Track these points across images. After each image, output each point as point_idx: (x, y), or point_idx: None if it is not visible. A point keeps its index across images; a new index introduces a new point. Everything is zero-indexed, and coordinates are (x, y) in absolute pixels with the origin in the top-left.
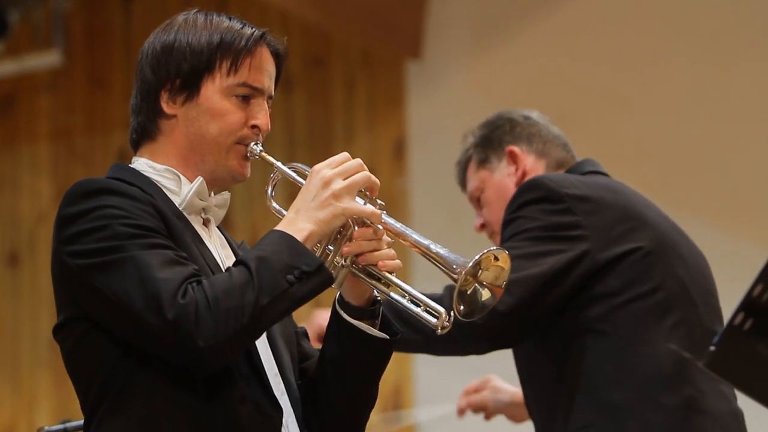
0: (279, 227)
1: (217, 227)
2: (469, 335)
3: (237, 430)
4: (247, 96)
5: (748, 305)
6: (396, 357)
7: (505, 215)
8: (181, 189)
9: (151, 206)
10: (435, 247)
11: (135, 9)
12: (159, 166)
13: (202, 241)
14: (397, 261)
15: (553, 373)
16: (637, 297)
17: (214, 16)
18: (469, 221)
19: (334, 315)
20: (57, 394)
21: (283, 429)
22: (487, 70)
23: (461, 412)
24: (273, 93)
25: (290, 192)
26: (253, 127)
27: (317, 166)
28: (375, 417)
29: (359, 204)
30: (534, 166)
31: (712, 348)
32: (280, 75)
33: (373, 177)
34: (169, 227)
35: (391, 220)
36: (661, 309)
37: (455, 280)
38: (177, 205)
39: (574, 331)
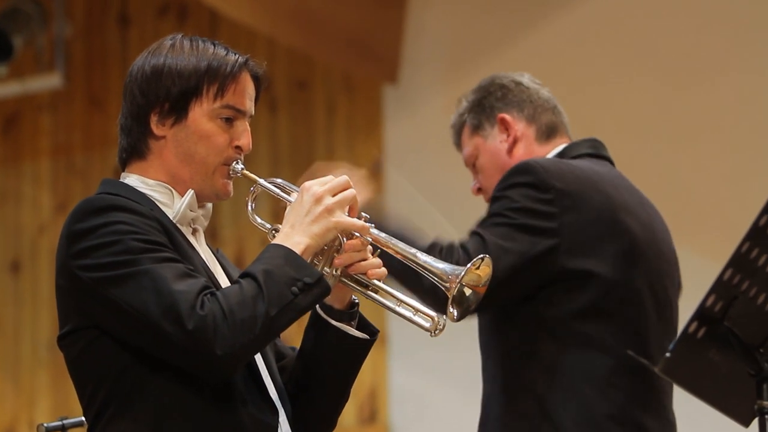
0: (277, 241)
1: None
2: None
3: None
4: (230, 118)
5: (702, 315)
6: (372, 361)
7: (495, 190)
8: (173, 202)
9: (156, 221)
10: (422, 256)
11: (131, 35)
12: (151, 182)
13: (196, 251)
14: (383, 269)
15: (503, 353)
16: (584, 315)
17: (200, 42)
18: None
19: (315, 317)
20: (56, 392)
21: (278, 429)
22: (460, 94)
23: None
24: (253, 113)
25: (273, 207)
26: (237, 147)
27: (307, 184)
28: None
29: (350, 218)
30: (525, 131)
31: (668, 354)
32: (259, 96)
33: (356, 196)
34: (171, 239)
35: (377, 232)
36: (603, 327)
37: (447, 289)
38: (171, 217)
39: (527, 323)
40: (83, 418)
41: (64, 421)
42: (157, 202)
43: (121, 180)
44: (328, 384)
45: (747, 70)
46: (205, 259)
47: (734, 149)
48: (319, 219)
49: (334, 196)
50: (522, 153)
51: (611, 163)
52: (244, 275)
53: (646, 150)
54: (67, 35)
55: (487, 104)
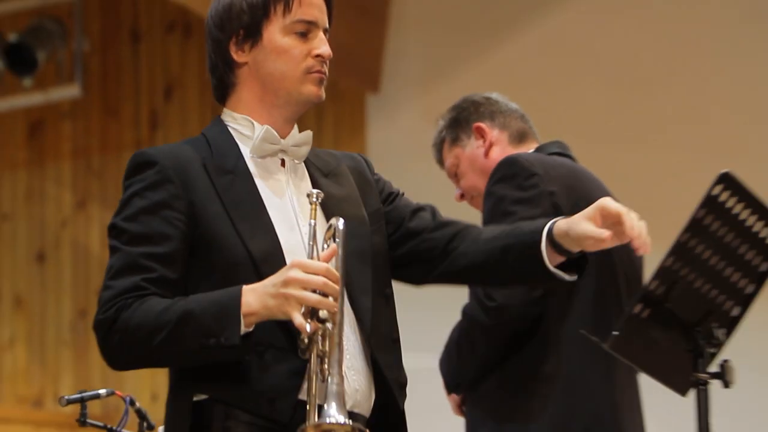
0: (246, 288)
1: (311, 161)
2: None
3: (255, 374)
4: (304, 32)
5: (646, 297)
6: None
7: (486, 186)
8: (254, 134)
9: (179, 179)
10: (331, 385)
11: (142, 49)
12: (237, 116)
13: (257, 195)
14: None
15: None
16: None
17: None
18: None
19: (537, 258)
20: (77, 369)
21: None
22: (436, 103)
23: None
24: (327, 26)
25: None
26: (317, 56)
27: (296, 261)
28: None
29: (297, 315)
30: (498, 137)
31: (615, 333)
32: (331, 11)
33: (324, 302)
34: (220, 182)
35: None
36: (587, 301)
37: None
38: (250, 150)
39: None
40: (99, 391)
41: (83, 394)
42: (241, 136)
43: (220, 116)
44: (479, 272)
45: (686, 79)
46: (281, 200)
47: (677, 149)
48: (277, 298)
49: (301, 288)
50: (498, 155)
51: (575, 161)
52: (179, 303)
53: (599, 151)
54: (85, 50)
55: (462, 118)
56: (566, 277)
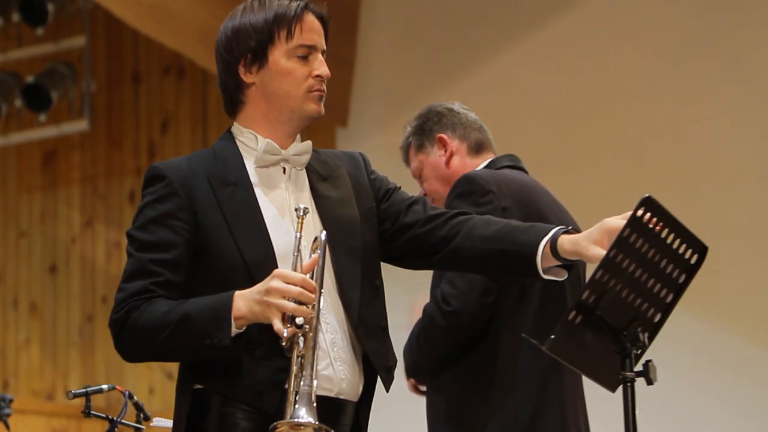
0: (237, 294)
1: (315, 168)
2: (456, 327)
3: (247, 369)
4: (305, 55)
5: (579, 306)
6: None
7: (446, 200)
8: (257, 147)
9: (184, 192)
10: (304, 385)
11: (141, 89)
12: (244, 130)
13: (255, 201)
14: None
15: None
16: (520, 297)
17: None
18: None
19: (532, 266)
20: (84, 367)
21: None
22: (396, 136)
23: None
24: (325, 47)
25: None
26: (316, 76)
27: (278, 271)
28: None
29: (276, 320)
30: (458, 147)
31: (552, 336)
32: (327, 33)
33: (300, 309)
34: (218, 198)
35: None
36: (533, 306)
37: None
38: (253, 161)
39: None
40: (102, 387)
41: (88, 389)
42: (247, 149)
43: (230, 129)
44: (467, 265)
45: (615, 115)
46: (275, 207)
47: (604, 175)
48: (260, 305)
49: (281, 297)
50: (457, 164)
51: (526, 172)
52: (178, 307)
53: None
54: (92, 90)
55: (427, 128)
56: (557, 278)
